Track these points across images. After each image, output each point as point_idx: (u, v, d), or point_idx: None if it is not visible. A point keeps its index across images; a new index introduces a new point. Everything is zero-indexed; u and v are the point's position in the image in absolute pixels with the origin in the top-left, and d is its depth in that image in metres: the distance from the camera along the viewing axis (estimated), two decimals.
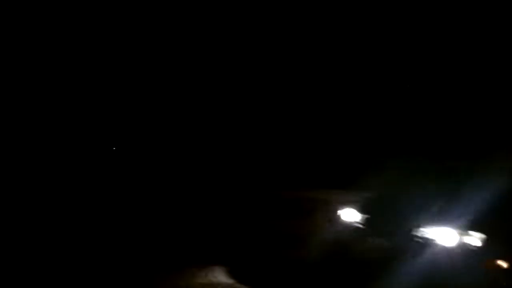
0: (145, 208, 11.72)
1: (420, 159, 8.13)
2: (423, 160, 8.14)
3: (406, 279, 6.90)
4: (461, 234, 6.70)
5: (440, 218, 7.24)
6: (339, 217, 8.18)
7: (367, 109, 8.82)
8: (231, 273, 9.27)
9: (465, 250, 6.60)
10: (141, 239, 10.85)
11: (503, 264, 6.23)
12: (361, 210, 8.08)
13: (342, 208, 8.21)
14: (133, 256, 9.85)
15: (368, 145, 8.60)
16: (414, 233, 7.32)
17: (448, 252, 6.98)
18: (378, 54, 8.95)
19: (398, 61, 8.57)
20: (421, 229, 7.31)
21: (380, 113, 8.64)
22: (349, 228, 8.05)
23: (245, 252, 9.58)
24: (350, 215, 8.12)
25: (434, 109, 8.25)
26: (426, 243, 7.16)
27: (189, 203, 11.32)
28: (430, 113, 8.30)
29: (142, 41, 12.36)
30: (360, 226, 8.00)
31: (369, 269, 7.45)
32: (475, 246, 6.47)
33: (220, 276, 9.21)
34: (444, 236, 7.03)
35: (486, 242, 6.40)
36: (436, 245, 7.08)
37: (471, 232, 6.59)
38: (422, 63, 8.33)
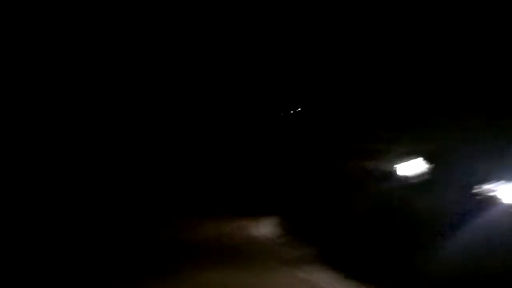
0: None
1: (478, 115, 7.69)
2: (481, 116, 7.69)
3: (465, 238, 6.73)
4: None
5: (501, 174, 6.95)
6: (395, 171, 7.99)
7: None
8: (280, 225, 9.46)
9: None
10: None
11: None
12: (418, 165, 7.84)
13: (399, 162, 7.98)
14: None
15: (423, 99, 8.23)
16: (474, 190, 7.08)
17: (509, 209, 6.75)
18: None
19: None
20: (482, 186, 7.06)
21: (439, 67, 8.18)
22: (405, 183, 7.87)
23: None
24: (406, 169, 7.91)
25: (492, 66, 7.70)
26: (487, 200, 6.93)
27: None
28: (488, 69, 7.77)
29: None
30: (416, 181, 7.81)
31: (425, 228, 7.29)
32: None
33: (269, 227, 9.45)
34: (506, 192, 6.77)
35: None
36: (498, 202, 6.85)
37: None
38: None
